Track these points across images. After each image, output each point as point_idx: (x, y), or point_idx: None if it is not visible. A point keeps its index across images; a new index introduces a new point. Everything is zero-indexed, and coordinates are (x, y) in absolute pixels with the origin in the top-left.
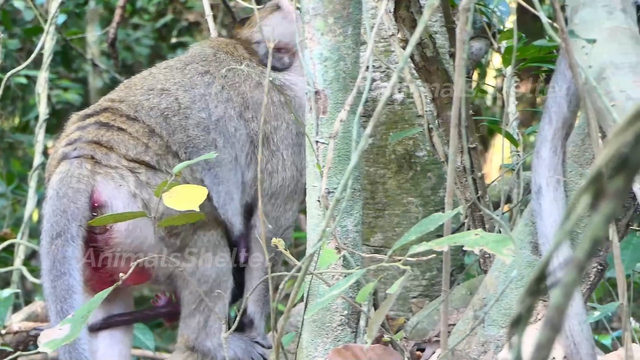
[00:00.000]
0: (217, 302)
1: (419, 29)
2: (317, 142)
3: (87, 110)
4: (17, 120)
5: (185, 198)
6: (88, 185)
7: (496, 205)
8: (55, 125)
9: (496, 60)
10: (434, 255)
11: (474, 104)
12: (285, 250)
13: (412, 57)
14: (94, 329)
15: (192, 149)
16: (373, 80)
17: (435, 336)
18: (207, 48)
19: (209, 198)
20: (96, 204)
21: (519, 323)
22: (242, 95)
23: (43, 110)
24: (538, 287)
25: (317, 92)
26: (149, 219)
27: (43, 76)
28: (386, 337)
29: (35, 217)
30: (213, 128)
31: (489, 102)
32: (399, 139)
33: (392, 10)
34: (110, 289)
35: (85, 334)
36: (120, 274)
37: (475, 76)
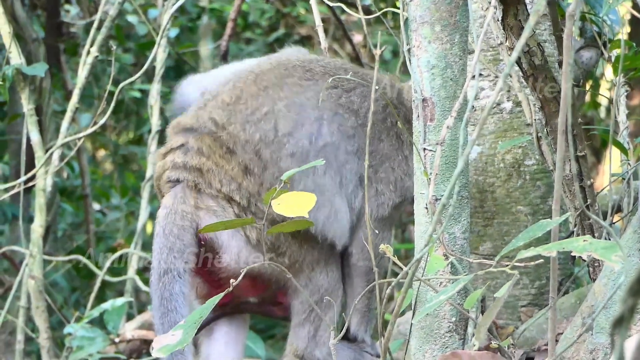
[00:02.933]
0: (327, 311)
1: (525, 33)
2: (424, 149)
3: (189, 121)
4: (131, 135)
5: (295, 205)
6: (193, 222)
7: (605, 215)
8: None
9: (609, 72)
10: (542, 261)
11: (587, 115)
12: (394, 256)
13: (520, 65)
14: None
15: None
16: (481, 89)
17: (544, 345)
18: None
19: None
20: (202, 241)
21: (621, 323)
22: (355, 115)
23: (155, 122)
24: None
25: (424, 100)
26: (252, 247)
27: (155, 88)
28: (494, 344)
29: (149, 228)
30: (314, 155)
31: (602, 114)
32: (507, 147)
33: (500, 18)
34: (222, 294)
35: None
36: (231, 280)
37: (587, 88)
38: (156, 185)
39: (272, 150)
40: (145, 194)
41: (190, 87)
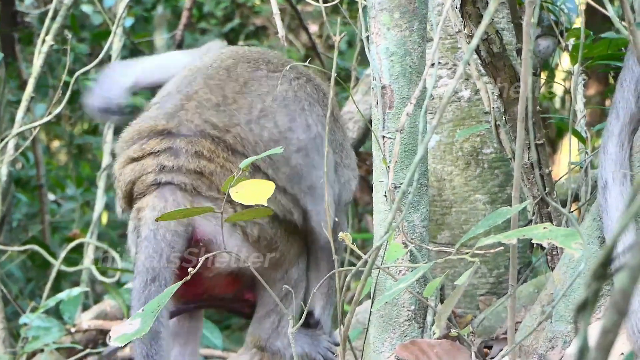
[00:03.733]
0: (291, 302)
1: (485, 21)
2: (383, 137)
3: (168, 125)
4: (85, 125)
5: (253, 193)
6: (188, 227)
7: (563, 204)
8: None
9: (565, 62)
10: (502, 248)
11: (542, 106)
12: (353, 243)
13: (478, 53)
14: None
15: (296, 179)
16: (440, 77)
17: (503, 333)
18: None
19: (308, 216)
20: (200, 243)
21: (585, 308)
22: (319, 104)
23: None
24: (604, 271)
25: (383, 87)
26: (250, 245)
27: None
28: (453, 332)
29: (104, 218)
30: (311, 148)
31: (557, 104)
32: (466, 136)
33: (458, 6)
34: (180, 283)
35: (167, 332)
36: (189, 269)
37: (543, 77)
38: (125, 187)
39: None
40: (101, 184)
41: (112, 78)
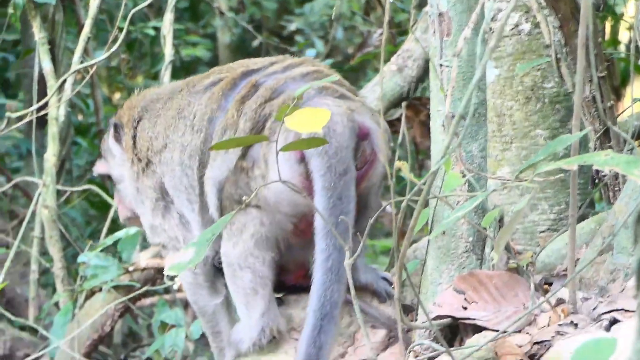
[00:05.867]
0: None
1: None
2: (441, 65)
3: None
4: (142, 78)
5: (309, 121)
6: (355, 123)
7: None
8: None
9: (630, 9)
10: (562, 175)
11: (606, 53)
12: (410, 173)
13: None
14: None
15: None
16: (499, 10)
17: (563, 270)
18: None
19: None
20: (364, 138)
21: None
22: None
23: (169, 52)
24: None
25: (440, 14)
26: None
27: (168, 18)
28: (512, 264)
29: None
30: None
31: (622, 51)
32: (526, 70)
33: None
34: (234, 212)
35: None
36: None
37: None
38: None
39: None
40: None
41: None
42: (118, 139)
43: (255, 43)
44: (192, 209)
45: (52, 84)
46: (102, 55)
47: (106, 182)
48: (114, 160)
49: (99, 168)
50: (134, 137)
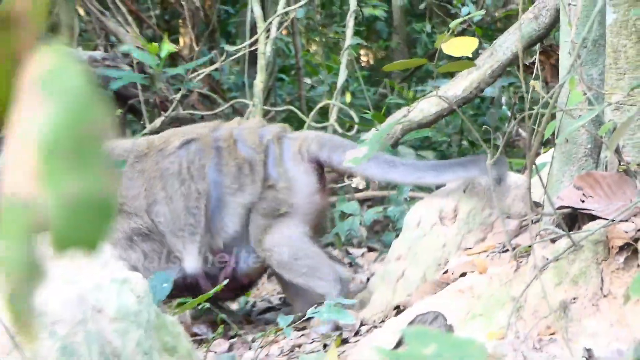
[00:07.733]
0: None
1: None
2: (568, 4)
3: None
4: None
5: (461, 47)
6: None
7: None
8: (365, 37)
9: None
10: None
11: None
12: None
13: None
14: None
15: None
16: None
17: None
18: None
19: None
20: None
21: None
22: None
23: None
24: None
25: None
26: None
27: None
28: (622, 167)
29: (347, 97)
30: None
31: None
32: (639, 14)
33: None
34: (394, 122)
35: None
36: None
37: None
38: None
39: None
40: (343, 60)
41: None
42: None
43: (422, 6)
44: None
45: (260, 26)
46: (299, 3)
47: (302, 106)
48: None
49: None
50: None
